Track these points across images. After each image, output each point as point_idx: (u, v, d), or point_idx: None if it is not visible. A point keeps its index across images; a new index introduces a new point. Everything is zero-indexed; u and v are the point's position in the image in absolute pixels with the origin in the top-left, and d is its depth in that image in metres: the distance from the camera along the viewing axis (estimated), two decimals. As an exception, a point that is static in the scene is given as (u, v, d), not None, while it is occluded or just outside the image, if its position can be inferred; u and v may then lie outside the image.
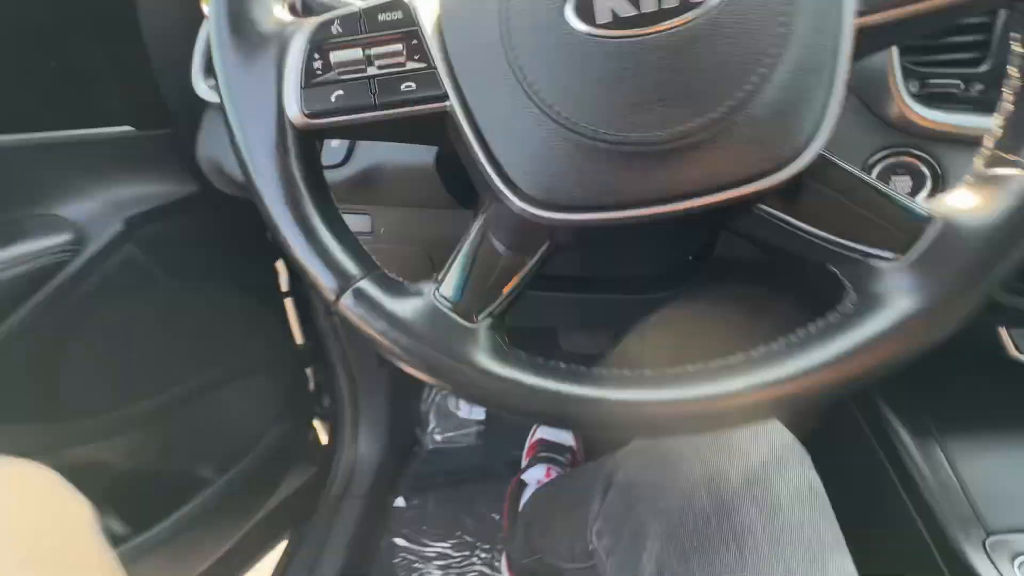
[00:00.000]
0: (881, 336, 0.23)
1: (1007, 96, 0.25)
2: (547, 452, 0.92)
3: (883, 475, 0.53)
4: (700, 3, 0.21)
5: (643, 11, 0.22)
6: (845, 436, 0.58)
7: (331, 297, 0.26)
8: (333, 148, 0.50)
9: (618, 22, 0.22)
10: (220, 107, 0.27)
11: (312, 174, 0.27)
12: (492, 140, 0.25)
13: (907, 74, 0.42)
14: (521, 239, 0.28)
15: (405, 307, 0.26)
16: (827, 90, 0.23)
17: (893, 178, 0.42)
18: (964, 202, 0.24)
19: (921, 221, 0.24)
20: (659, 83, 0.22)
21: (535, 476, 0.88)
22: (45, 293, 0.49)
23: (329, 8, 0.31)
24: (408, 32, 0.25)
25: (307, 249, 0.26)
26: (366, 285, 0.27)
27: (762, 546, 0.32)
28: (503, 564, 0.85)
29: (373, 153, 0.50)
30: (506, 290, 0.28)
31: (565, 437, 0.95)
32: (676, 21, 0.22)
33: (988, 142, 0.25)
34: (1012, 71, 0.25)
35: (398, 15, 0.25)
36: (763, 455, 0.36)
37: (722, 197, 0.23)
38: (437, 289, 0.27)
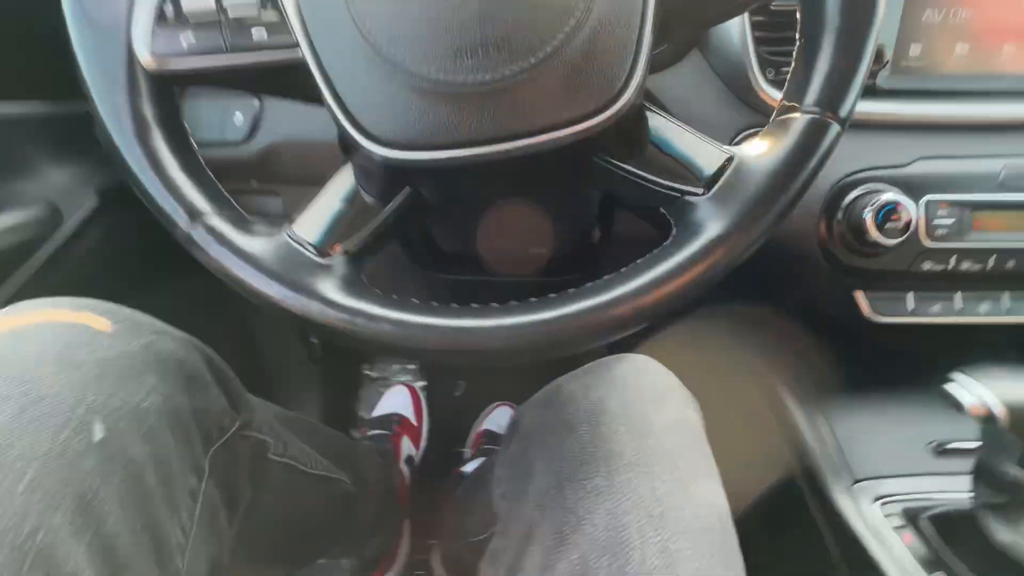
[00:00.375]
0: (695, 256, 0.26)
1: (794, 56, 0.29)
2: (492, 444, 0.90)
3: (774, 440, 0.57)
4: None
5: None
6: (741, 402, 0.62)
7: (180, 230, 0.27)
8: (236, 125, 0.51)
9: None
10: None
11: (168, 117, 0.28)
12: (340, 86, 0.27)
13: (764, 63, 0.47)
14: (381, 185, 0.30)
15: (256, 244, 0.28)
16: (637, 40, 0.26)
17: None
18: (757, 145, 0.28)
19: (723, 162, 0.28)
20: (482, 29, 0.25)
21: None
22: (30, 269, 0.47)
23: None
24: None
25: (157, 183, 0.27)
26: (218, 222, 0.28)
27: (631, 468, 0.33)
28: (436, 559, 0.83)
29: (279, 128, 0.51)
30: (365, 232, 0.29)
31: None
32: None
33: (760, 92, 0.29)
34: (798, 35, 0.29)
35: None
36: (646, 392, 0.38)
37: (545, 139, 0.26)
38: (291, 229, 0.29)
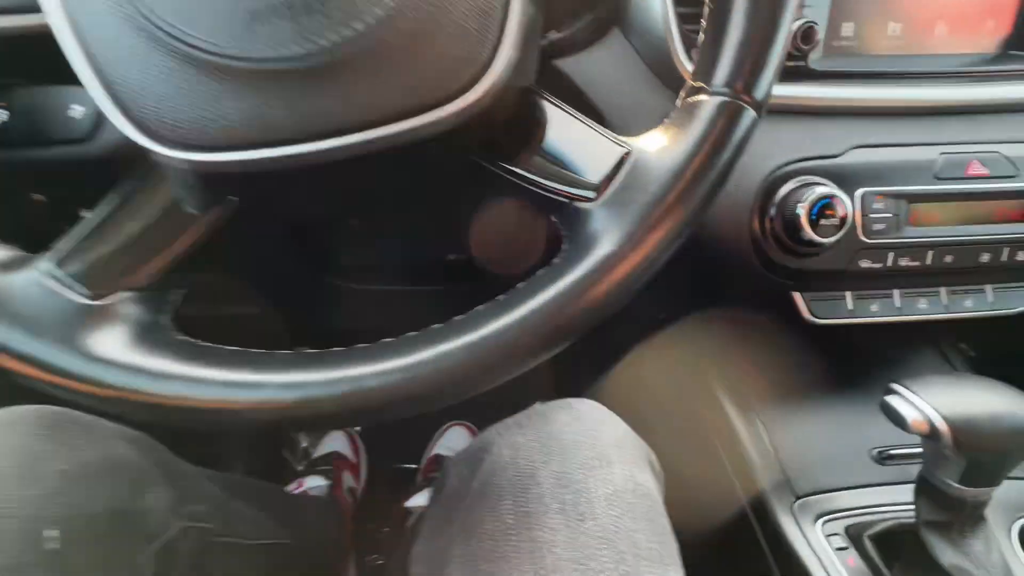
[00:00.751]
0: (583, 280, 0.21)
1: (702, 27, 0.24)
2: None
3: (714, 451, 0.53)
4: None
5: None
6: (682, 414, 0.58)
7: None
8: (75, 118, 0.42)
9: None
10: None
11: None
12: (106, 68, 0.20)
13: (690, 42, 0.42)
14: (198, 194, 0.23)
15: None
16: (502, 15, 0.20)
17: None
18: (658, 137, 0.23)
19: (619, 159, 0.22)
20: None
21: (422, 502, 0.75)
22: None
23: None
24: None
25: None
26: None
27: (562, 565, 0.27)
28: None
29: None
30: (159, 259, 0.22)
31: None
32: None
33: (687, 77, 0.24)
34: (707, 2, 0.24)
35: None
36: (586, 452, 0.32)
37: (379, 133, 0.20)
38: (55, 261, 0.21)
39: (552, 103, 0.24)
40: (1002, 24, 0.46)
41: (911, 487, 0.37)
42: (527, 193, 0.24)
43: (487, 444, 0.36)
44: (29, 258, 0.21)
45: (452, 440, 0.88)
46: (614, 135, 0.24)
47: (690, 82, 0.23)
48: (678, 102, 0.24)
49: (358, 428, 1.01)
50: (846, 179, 0.40)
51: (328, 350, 0.21)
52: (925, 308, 0.45)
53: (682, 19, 0.41)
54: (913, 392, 0.34)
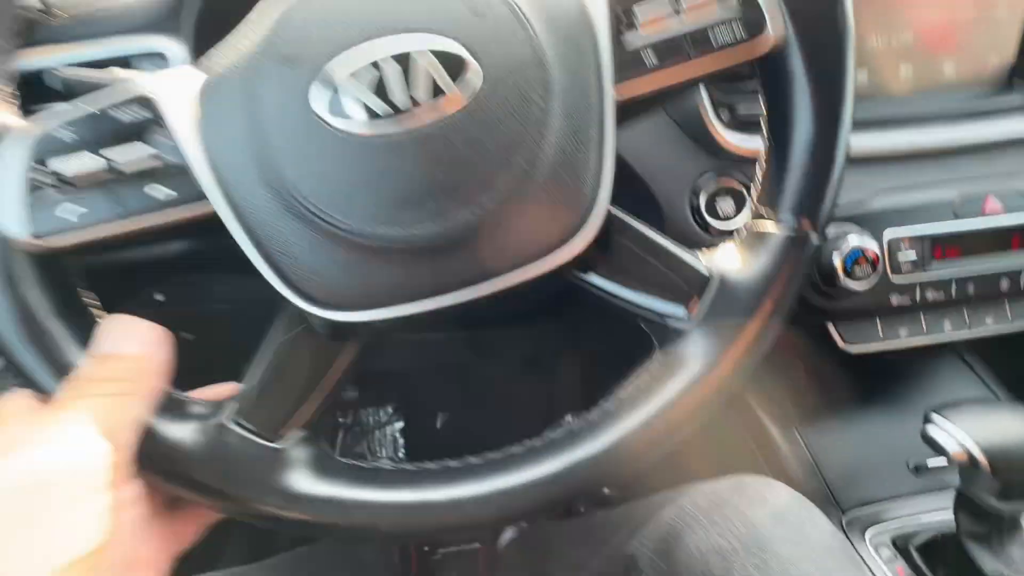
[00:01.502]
0: (681, 395, 0.24)
1: (761, 155, 0.27)
2: None
3: (755, 464, 0.57)
4: (456, 99, 0.21)
5: (399, 107, 0.21)
6: (723, 431, 0.62)
7: None
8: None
9: (372, 118, 0.21)
10: None
11: (66, 301, 0.24)
12: (266, 241, 0.23)
13: (718, 104, 0.45)
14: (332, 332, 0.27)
15: (188, 433, 0.24)
16: (599, 155, 0.23)
17: (717, 200, 0.45)
18: (736, 259, 0.26)
19: (702, 280, 0.26)
20: (425, 177, 0.22)
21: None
22: None
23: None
24: (154, 129, 0.23)
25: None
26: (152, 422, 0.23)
27: None
28: None
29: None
30: (317, 396, 0.25)
31: None
32: (432, 115, 0.21)
33: (753, 195, 0.28)
34: (764, 132, 0.27)
35: (146, 114, 0.23)
36: (804, 569, 0.33)
37: (509, 279, 0.23)
38: (239, 412, 0.25)
39: (631, 223, 0.27)
40: (1005, 57, 0.49)
41: (949, 494, 0.41)
42: (613, 305, 0.27)
43: (676, 533, 0.36)
44: (217, 409, 0.25)
45: None
46: (689, 251, 0.27)
47: (757, 206, 0.27)
48: (745, 224, 0.27)
49: (400, 443, 1.06)
50: (872, 223, 0.44)
51: (471, 463, 0.25)
52: (950, 329, 0.49)
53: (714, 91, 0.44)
54: (951, 422, 0.38)
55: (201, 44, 0.47)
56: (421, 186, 0.22)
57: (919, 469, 0.50)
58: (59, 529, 0.19)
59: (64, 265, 0.24)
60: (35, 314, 0.23)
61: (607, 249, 0.27)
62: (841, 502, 0.49)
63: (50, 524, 0.19)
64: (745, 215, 0.45)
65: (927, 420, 0.39)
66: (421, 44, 0.21)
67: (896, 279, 0.44)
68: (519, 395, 0.92)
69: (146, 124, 0.23)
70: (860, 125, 0.46)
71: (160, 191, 0.23)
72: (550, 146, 0.22)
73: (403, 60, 0.20)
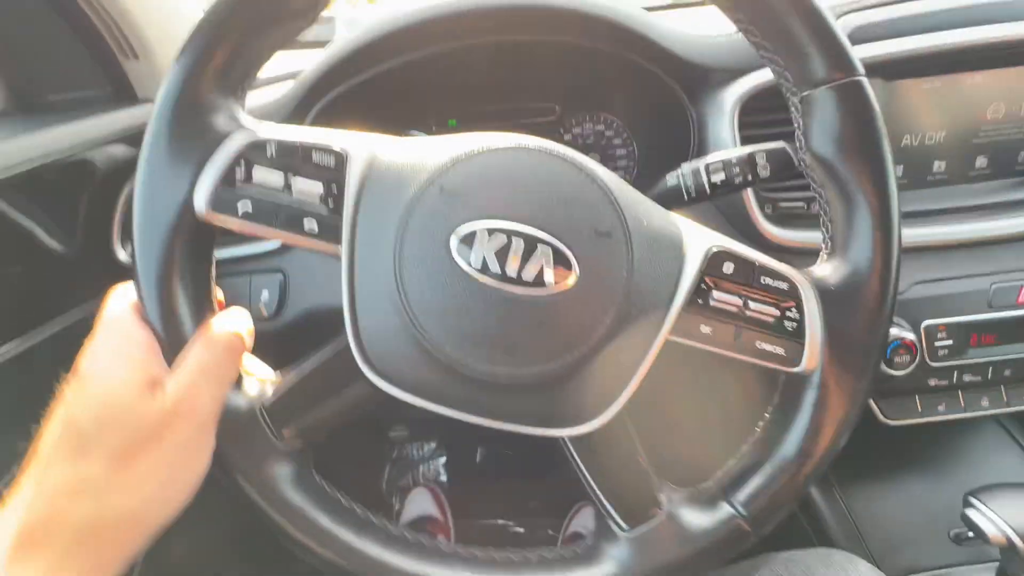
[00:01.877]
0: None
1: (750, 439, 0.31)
2: None
3: (797, 525, 0.60)
4: (549, 285, 0.26)
5: (507, 273, 0.26)
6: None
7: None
8: (263, 302, 0.52)
9: (485, 270, 0.26)
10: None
11: (195, 261, 0.28)
12: (361, 304, 0.27)
13: (762, 198, 0.50)
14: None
15: (230, 407, 0.28)
16: (627, 379, 0.27)
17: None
18: (687, 507, 0.30)
19: (654, 505, 0.30)
20: (509, 332, 0.26)
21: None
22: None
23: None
24: (333, 178, 0.28)
25: (159, 321, 0.27)
26: None
27: None
28: None
29: (305, 299, 0.52)
30: (326, 420, 0.30)
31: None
32: (532, 291, 0.26)
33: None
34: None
35: (331, 162, 0.28)
36: None
37: (525, 430, 0.28)
38: (266, 400, 0.29)
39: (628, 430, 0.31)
40: (1035, 152, 0.52)
41: (991, 567, 0.44)
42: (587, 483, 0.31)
43: None
44: (260, 390, 0.29)
45: (585, 519, 0.93)
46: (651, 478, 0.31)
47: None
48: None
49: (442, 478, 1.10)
50: (910, 312, 0.47)
51: (421, 542, 0.30)
52: (987, 405, 0.52)
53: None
54: (989, 508, 0.41)
55: None
56: (493, 335, 0.26)
57: (960, 538, 0.53)
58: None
59: (211, 234, 0.29)
60: (177, 265, 0.27)
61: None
62: (885, 568, 0.52)
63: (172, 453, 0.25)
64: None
65: (967, 504, 0.42)
66: (546, 241, 0.26)
67: (934, 364, 0.47)
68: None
69: (328, 171, 0.28)
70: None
71: (310, 224, 0.27)
72: (599, 352, 0.27)
73: (530, 244, 0.26)
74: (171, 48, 0.62)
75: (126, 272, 0.52)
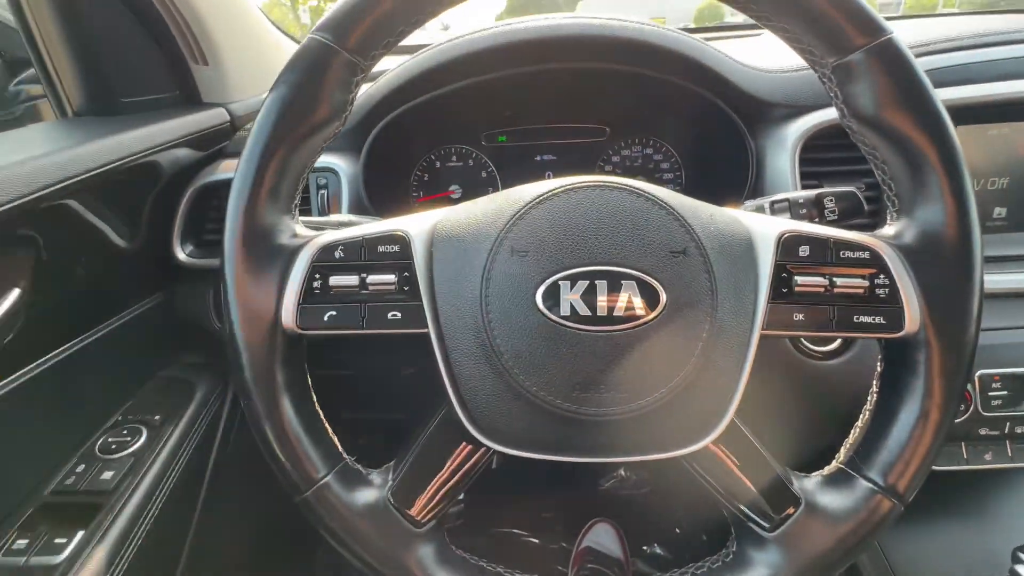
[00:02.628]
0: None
1: (865, 409, 0.30)
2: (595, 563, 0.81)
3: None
4: (642, 317, 0.26)
5: (598, 314, 0.26)
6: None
7: (297, 496, 0.29)
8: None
9: (575, 317, 0.26)
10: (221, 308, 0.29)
11: (293, 375, 0.30)
12: (459, 373, 0.28)
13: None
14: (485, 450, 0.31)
15: (360, 507, 0.29)
16: (734, 386, 0.27)
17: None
18: (824, 493, 0.29)
19: (791, 502, 0.29)
20: (605, 370, 0.26)
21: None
22: None
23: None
24: (402, 264, 0.29)
25: (276, 450, 0.29)
26: (329, 482, 0.29)
27: None
28: None
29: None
30: (448, 490, 0.30)
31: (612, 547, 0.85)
32: (622, 326, 0.26)
33: (849, 440, 0.31)
34: (873, 390, 0.30)
35: (396, 248, 0.29)
36: None
37: (647, 458, 0.28)
38: (391, 487, 0.30)
39: (745, 429, 0.30)
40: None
41: None
42: (715, 494, 0.31)
43: None
44: (381, 483, 0.30)
45: (599, 535, 0.92)
46: (785, 471, 0.30)
47: (847, 453, 0.30)
48: (839, 461, 0.30)
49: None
50: (965, 360, 0.47)
51: None
52: (1036, 457, 0.51)
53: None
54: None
55: (371, 164, 0.55)
56: (601, 376, 0.26)
57: (1002, 593, 0.52)
58: None
59: (303, 342, 0.30)
60: (276, 381, 0.29)
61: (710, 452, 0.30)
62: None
63: None
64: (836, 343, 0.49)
65: (1016, 559, 0.42)
66: (628, 274, 0.26)
67: (986, 413, 0.46)
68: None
69: (395, 256, 0.29)
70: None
71: (394, 315, 0.28)
72: (704, 365, 0.27)
73: (614, 280, 0.26)
74: (238, 56, 0.64)
75: (184, 270, 0.54)
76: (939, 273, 0.28)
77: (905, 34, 0.51)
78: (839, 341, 0.48)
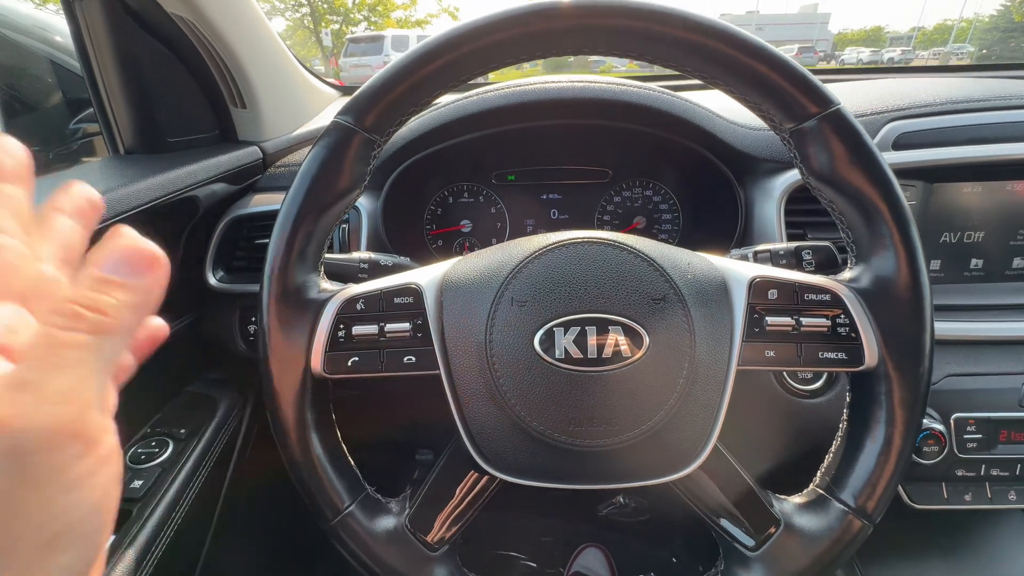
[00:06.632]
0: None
1: (837, 436, 0.34)
2: None
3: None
4: (628, 358, 0.30)
5: (588, 356, 0.30)
6: None
7: (324, 524, 0.33)
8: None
9: (569, 360, 0.30)
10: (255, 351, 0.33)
11: (321, 414, 0.33)
12: (468, 410, 0.32)
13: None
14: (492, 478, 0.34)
15: (381, 534, 0.33)
16: (714, 416, 0.31)
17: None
18: (801, 514, 0.32)
19: (772, 523, 0.32)
20: (598, 406, 0.30)
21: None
22: None
23: (344, 270, 0.39)
24: (416, 313, 0.33)
25: (308, 483, 0.33)
26: (353, 511, 0.33)
27: None
28: None
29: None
30: (459, 515, 0.34)
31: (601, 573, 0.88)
32: (611, 366, 0.30)
33: (823, 466, 0.34)
34: (844, 420, 0.34)
35: (410, 299, 0.33)
36: None
37: (634, 485, 0.31)
38: (408, 514, 0.34)
39: (727, 454, 0.34)
40: (1073, 255, 0.54)
41: None
42: (701, 515, 0.34)
43: None
44: (399, 511, 0.34)
45: (588, 560, 0.94)
46: (772, 496, 0.34)
47: (822, 477, 0.33)
48: (814, 484, 0.34)
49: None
50: (941, 403, 0.49)
51: None
52: (1015, 499, 0.52)
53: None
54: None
55: (389, 202, 0.60)
56: (593, 411, 0.30)
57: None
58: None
59: (328, 385, 0.34)
60: (306, 421, 0.33)
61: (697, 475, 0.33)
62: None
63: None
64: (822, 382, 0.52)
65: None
66: (614, 320, 0.30)
67: (962, 455, 0.49)
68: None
69: (410, 306, 0.33)
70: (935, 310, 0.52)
71: (409, 359, 0.32)
72: (683, 407, 0.30)
73: (602, 326, 0.30)
74: (271, 99, 0.69)
75: (213, 294, 0.58)
76: (893, 313, 0.31)
77: (888, 88, 0.55)
78: (822, 381, 0.51)
